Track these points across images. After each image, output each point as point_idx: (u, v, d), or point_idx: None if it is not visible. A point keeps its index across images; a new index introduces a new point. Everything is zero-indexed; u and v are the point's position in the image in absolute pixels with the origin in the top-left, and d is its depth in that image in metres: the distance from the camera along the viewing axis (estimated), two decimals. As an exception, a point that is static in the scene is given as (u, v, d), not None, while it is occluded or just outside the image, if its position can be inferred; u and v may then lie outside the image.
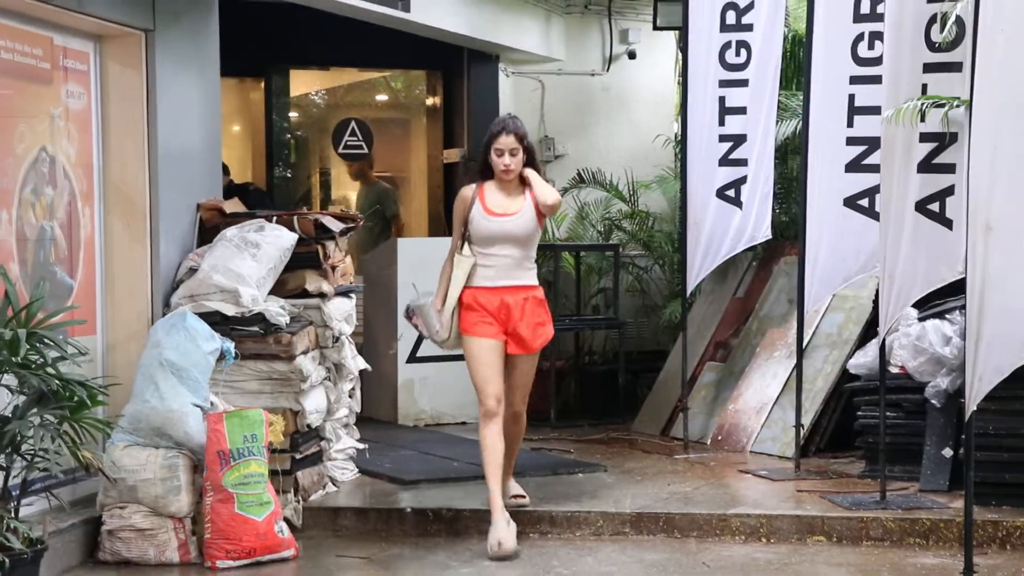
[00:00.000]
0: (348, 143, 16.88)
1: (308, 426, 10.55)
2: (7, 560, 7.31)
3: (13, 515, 7.73)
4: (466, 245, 9.56)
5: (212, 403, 9.58)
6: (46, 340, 7.79)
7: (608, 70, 16.31)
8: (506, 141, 8.86)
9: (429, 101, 16.72)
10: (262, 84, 14.74)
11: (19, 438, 7.69)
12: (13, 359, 7.60)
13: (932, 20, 8.85)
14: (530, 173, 9.95)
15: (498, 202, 9.39)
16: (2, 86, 9.24)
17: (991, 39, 6.67)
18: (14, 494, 7.89)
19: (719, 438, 12.58)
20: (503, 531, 8.21)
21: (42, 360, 7.70)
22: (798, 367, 11.58)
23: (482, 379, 8.96)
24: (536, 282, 9.50)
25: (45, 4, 9.02)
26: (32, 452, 7.68)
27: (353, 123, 16.91)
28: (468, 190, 9.70)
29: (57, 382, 7.69)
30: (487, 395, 8.93)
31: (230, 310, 9.97)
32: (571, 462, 12.03)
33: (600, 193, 15.36)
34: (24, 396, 7.72)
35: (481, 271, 9.22)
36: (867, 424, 10.87)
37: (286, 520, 9.50)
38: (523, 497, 9.17)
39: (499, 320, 9.10)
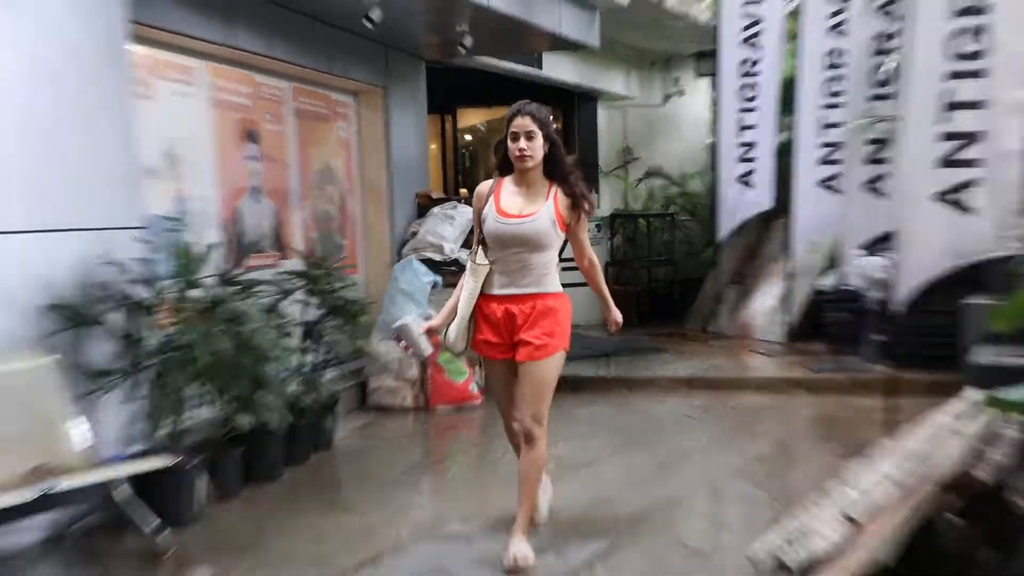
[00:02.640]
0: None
1: None
2: (320, 404, 7.78)
3: (320, 379, 8.08)
4: (479, 251, 5.59)
5: (428, 314, 9.13)
6: (334, 276, 8.09)
7: (666, 103, 16.17)
8: (521, 122, 5.39)
9: (553, 126, 16.05)
10: (448, 118, 15.05)
11: (322, 334, 8.05)
12: (317, 287, 7.95)
13: (876, 67, 9.12)
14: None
15: (514, 201, 5.49)
16: (304, 125, 9.55)
17: (911, 81, 6.89)
18: (320, 368, 8.12)
19: (738, 332, 12.56)
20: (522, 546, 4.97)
21: (332, 288, 7.98)
22: (787, 288, 11.81)
23: (498, 403, 5.72)
24: (554, 289, 5.50)
25: (329, 75, 9.50)
26: (329, 342, 8.07)
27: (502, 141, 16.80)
28: (484, 185, 5.73)
29: (341, 300, 7.99)
30: (502, 412, 5.68)
31: (437, 257, 10.07)
32: (646, 347, 11.85)
33: (661, 181, 15.39)
34: (323, 309, 7.99)
35: (492, 277, 5.53)
36: (830, 321, 11.06)
37: (476, 383, 9.64)
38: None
39: (503, 333, 5.47)
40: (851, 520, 4.86)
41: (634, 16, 11.81)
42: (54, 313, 5.90)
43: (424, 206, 10.74)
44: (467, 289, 5.41)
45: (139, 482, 5.74)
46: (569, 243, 5.54)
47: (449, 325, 5.49)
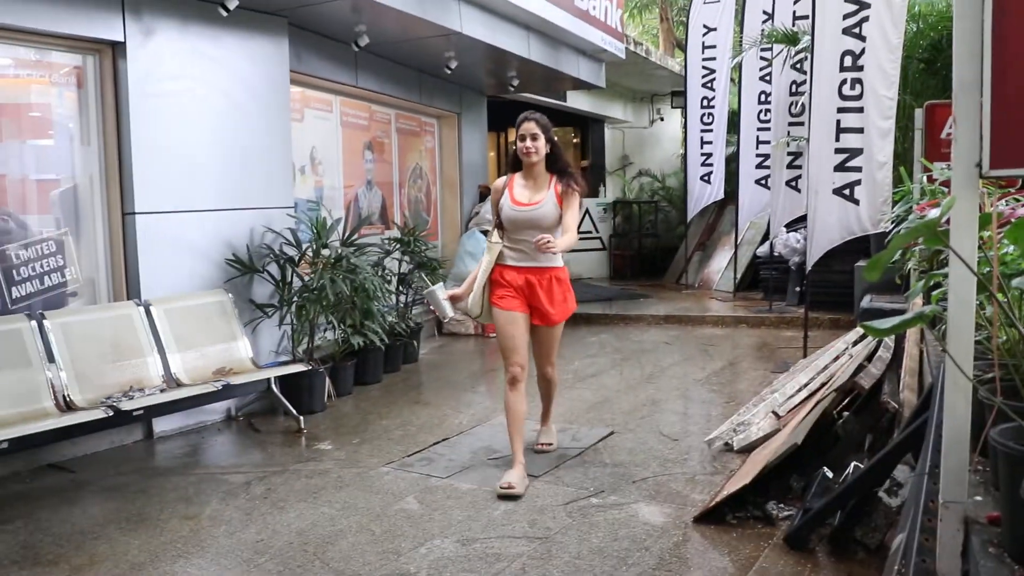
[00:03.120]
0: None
1: None
2: (408, 330, 7.67)
3: (410, 313, 8.05)
4: (495, 232, 4.95)
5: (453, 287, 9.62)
6: (419, 240, 7.95)
7: (651, 125, 15.97)
8: (527, 127, 4.90)
9: (574, 140, 15.98)
10: (502, 135, 14.93)
11: (411, 282, 7.92)
12: (409, 249, 7.87)
13: (792, 104, 9.09)
14: (569, 204, 4.80)
15: (523, 193, 4.92)
16: (403, 139, 9.40)
17: (814, 113, 6.87)
18: (409, 306, 8.20)
19: (700, 284, 12.35)
20: (516, 475, 4.45)
21: (420, 249, 7.86)
22: (735, 254, 11.67)
23: (508, 348, 4.76)
24: (560, 264, 4.95)
25: (420, 104, 9.34)
26: (416, 287, 7.87)
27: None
28: (500, 181, 5.12)
29: (426, 258, 7.86)
30: (512, 362, 4.73)
31: (489, 228, 10.13)
32: (637, 294, 11.67)
33: (648, 178, 15.17)
34: (412, 264, 7.88)
35: (508, 253, 4.87)
36: (764, 277, 10.82)
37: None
38: (550, 445, 5.10)
39: (523, 295, 4.82)
40: (776, 415, 4.83)
41: (629, 67, 11.66)
42: (233, 265, 5.95)
43: (483, 194, 10.59)
44: (484, 264, 4.69)
45: (284, 382, 5.81)
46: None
47: (470, 295, 4.74)
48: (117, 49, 5.35)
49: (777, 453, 3.85)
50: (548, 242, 4.29)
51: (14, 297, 5.00)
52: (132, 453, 5.27)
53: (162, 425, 5.55)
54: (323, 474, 4.74)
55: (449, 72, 8.49)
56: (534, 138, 4.57)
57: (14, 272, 5.02)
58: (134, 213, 5.38)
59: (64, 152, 5.39)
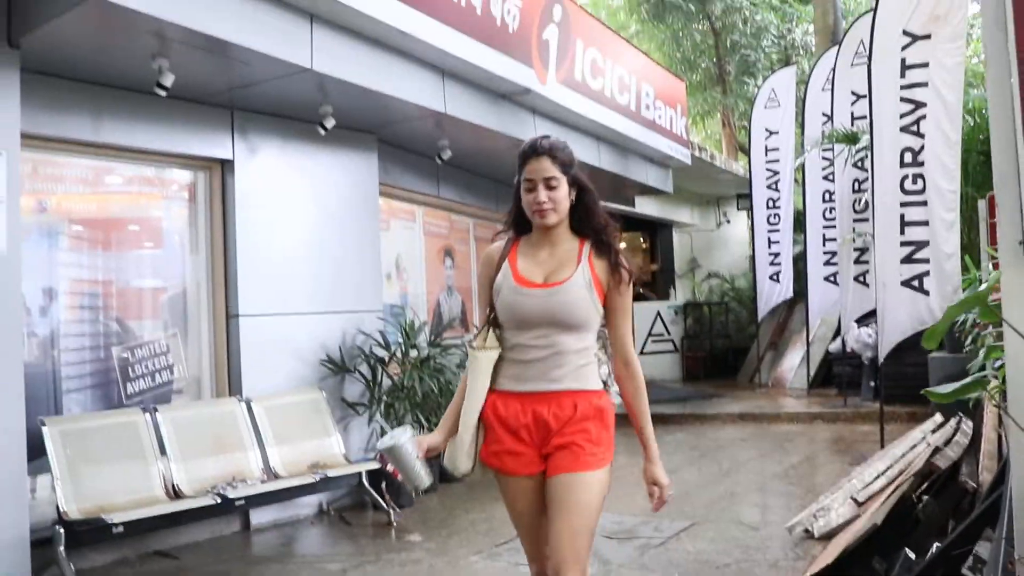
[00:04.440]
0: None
1: (602, 379, 10.50)
2: None
3: None
4: (485, 332, 2.70)
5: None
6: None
7: (718, 228, 16.09)
8: (536, 167, 2.61)
9: (643, 245, 15.94)
10: None
11: None
12: None
13: (855, 201, 9.22)
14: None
15: (536, 266, 2.68)
16: (481, 246, 9.55)
17: (878, 209, 6.99)
18: None
19: (774, 382, 12.26)
20: None
21: None
22: (807, 351, 11.61)
23: (521, 536, 2.74)
24: (596, 385, 2.63)
25: (497, 213, 9.45)
26: None
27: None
28: (494, 249, 2.80)
29: None
30: (527, 557, 2.74)
31: None
32: (711, 393, 11.61)
33: (717, 280, 15.30)
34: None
35: (508, 367, 2.65)
36: (837, 373, 10.73)
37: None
38: None
39: (531, 442, 2.61)
40: (856, 501, 4.86)
41: (695, 172, 11.93)
42: (326, 365, 6.26)
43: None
44: (471, 389, 2.66)
45: (374, 477, 6.01)
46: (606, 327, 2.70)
47: (452, 439, 2.70)
48: (226, 166, 5.84)
49: (857, 535, 3.91)
50: (661, 496, 2.67)
51: (128, 393, 5.39)
52: (231, 543, 5.50)
53: (259, 517, 5.79)
54: (415, 563, 4.89)
55: (523, 181, 8.86)
56: (549, 186, 2.58)
57: (129, 370, 5.41)
58: (238, 316, 5.76)
59: (174, 260, 5.84)
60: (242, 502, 5.13)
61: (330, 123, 5.95)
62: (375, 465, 5.92)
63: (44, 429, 4.69)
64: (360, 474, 5.85)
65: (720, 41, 18.78)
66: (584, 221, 2.68)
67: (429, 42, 5.67)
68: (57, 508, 4.54)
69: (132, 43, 4.51)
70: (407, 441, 2.60)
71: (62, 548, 4.39)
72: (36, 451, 4.59)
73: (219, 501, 4.86)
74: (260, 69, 5.05)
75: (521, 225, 2.71)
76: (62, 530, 4.41)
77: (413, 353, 6.59)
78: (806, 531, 4.98)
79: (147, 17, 4.11)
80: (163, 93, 4.84)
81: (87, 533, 4.45)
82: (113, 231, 5.58)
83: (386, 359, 6.52)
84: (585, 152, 8.40)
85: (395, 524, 5.75)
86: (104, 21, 4.20)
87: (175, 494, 4.99)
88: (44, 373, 5.13)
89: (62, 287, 5.27)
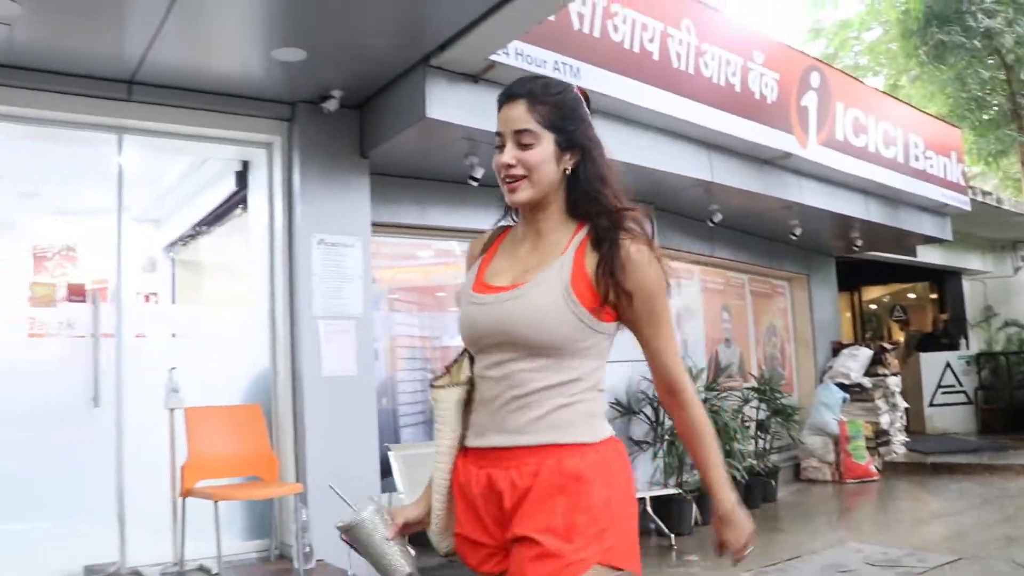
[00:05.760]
0: (895, 316, 16.60)
1: (881, 428, 10.20)
2: (766, 471, 8.28)
3: (768, 456, 8.62)
4: (466, 362, 1.81)
5: (841, 419, 9.61)
6: (777, 391, 8.70)
7: (1016, 273, 15.38)
8: (508, 116, 1.71)
9: (931, 296, 15.61)
10: (855, 293, 15.07)
11: (768, 428, 8.61)
12: (765, 398, 8.64)
13: None
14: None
15: (509, 263, 1.75)
16: (756, 300, 10.26)
17: None
18: (767, 450, 8.72)
19: None
20: None
21: (775, 399, 8.58)
22: None
23: None
24: (579, 437, 1.66)
25: (770, 269, 10.23)
26: (773, 433, 8.63)
27: (897, 306, 16.56)
28: (477, 244, 1.90)
29: (781, 406, 8.57)
30: None
31: (846, 382, 10.15)
32: (1004, 445, 10.77)
33: (1015, 328, 14.59)
34: (768, 412, 8.57)
35: (474, 411, 1.76)
36: None
37: (875, 466, 9.69)
38: None
39: (488, 524, 1.70)
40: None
41: (982, 217, 11.64)
42: (615, 407, 7.09)
43: (836, 349, 11.02)
44: (437, 442, 1.84)
45: (657, 506, 6.72)
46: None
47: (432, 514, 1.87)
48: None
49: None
50: (741, 551, 1.91)
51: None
52: None
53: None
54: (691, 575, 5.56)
55: (795, 238, 9.29)
56: (520, 141, 1.74)
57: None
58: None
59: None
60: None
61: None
62: (658, 492, 6.64)
63: (390, 454, 5.87)
64: (644, 500, 6.59)
65: (1013, 75, 17.83)
66: (583, 200, 1.74)
67: (694, 122, 6.46)
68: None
69: (450, 147, 5.65)
70: (369, 516, 1.80)
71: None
72: (384, 472, 5.80)
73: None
74: (553, 158, 6.08)
75: (511, 210, 1.86)
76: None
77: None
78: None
79: (462, 127, 5.25)
80: (475, 184, 5.99)
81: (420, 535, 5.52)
82: (427, 296, 6.87)
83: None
84: (853, 207, 8.73)
85: (675, 547, 6.42)
86: (430, 133, 5.36)
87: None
88: (386, 410, 6.40)
89: (395, 343, 6.59)
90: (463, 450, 1.79)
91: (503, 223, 1.90)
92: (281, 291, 5.65)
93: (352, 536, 1.82)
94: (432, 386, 1.85)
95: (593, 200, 1.74)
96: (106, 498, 5.29)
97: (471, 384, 1.80)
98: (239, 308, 6.36)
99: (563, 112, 1.73)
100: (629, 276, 1.67)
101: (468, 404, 1.81)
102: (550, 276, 1.69)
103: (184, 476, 5.07)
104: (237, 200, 6.44)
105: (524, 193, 1.73)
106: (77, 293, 5.57)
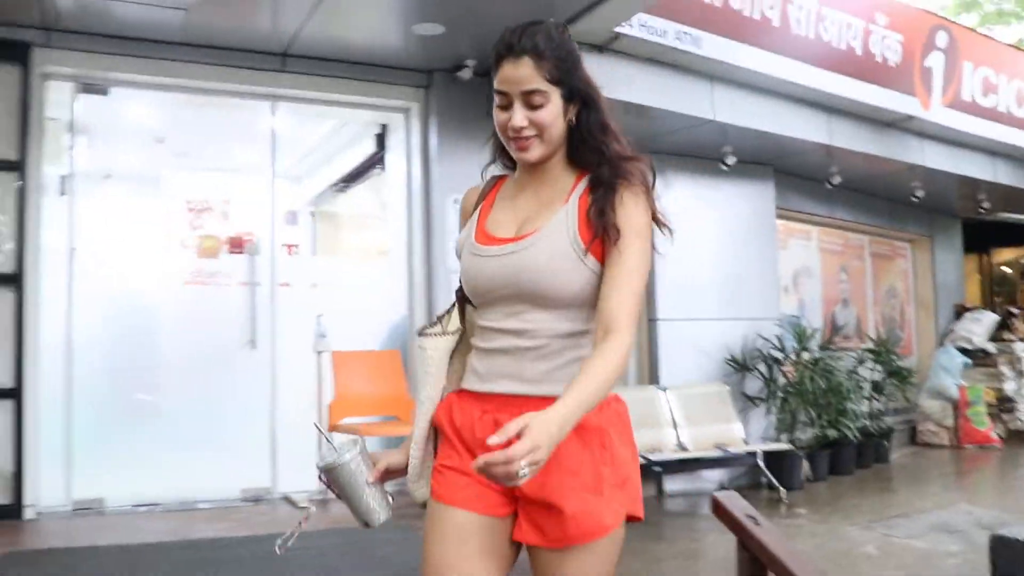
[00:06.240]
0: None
1: (1005, 395, 9.87)
2: (880, 432, 8.29)
3: (881, 417, 8.46)
4: (452, 313, 1.83)
5: (961, 383, 9.50)
6: (893, 353, 8.58)
7: None
8: (513, 75, 1.60)
9: (580, 67, 14.57)
10: (984, 256, 14.60)
11: (883, 389, 8.47)
12: (881, 359, 8.53)
13: None
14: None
15: (510, 214, 1.73)
16: (876, 262, 10.16)
17: None
18: (881, 412, 8.61)
19: None
20: None
21: (892, 360, 8.48)
22: None
23: None
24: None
25: (892, 230, 10.19)
26: (888, 394, 8.54)
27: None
28: (471, 194, 1.86)
29: (898, 368, 8.48)
30: None
31: (967, 346, 10.02)
32: None
33: None
34: (884, 373, 8.47)
35: (473, 358, 1.73)
36: None
37: (997, 433, 9.49)
38: None
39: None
40: None
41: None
42: (729, 363, 7.34)
43: (959, 312, 10.85)
44: (420, 389, 1.81)
45: (769, 461, 6.92)
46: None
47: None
48: (646, 200, 7.18)
49: None
50: (509, 462, 1.33)
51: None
52: (648, 503, 6.77)
53: (671, 485, 6.98)
54: (798, 528, 5.76)
55: (916, 200, 9.20)
56: (531, 103, 1.64)
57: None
58: (657, 320, 7.05)
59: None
60: (659, 468, 6.38)
61: (731, 160, 7.04)
62: (771, 447, 6.86)
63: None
64: (756, 455, 6.83)
65: None
66: (585, 149, 1.71)
67: (813, 86, 6.56)
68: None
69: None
70: (352, 459, 1.76)
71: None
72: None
73: (644, 462, 6.15)
74: (671, 123, 6.31)
75: (506, 158, 1.83)
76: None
77: (805, 355, 7.43)
78: None
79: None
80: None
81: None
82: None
83: (781, 360, 7.43)
84: (978, 168, 8.61)
85: (785, 501, 6.63)
86: None
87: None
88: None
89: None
90: (457, 392, 1.77)
91: (496, 172, 1.87)
92: (418, 246, 6.08)
93: (332, 477, 1.77)
94: (421, 334, 1.82)
95: (595, 150, 1.70)
96: (261, 431, 5.93)
97: (460, 335, 1.81)
98: (377, 261, 6.85)
99: (567, 63, 1.65)
100: (616, 213, 1.62)
101: (453, 354, 1.81)
102: (554, 226, 1.66)
103: (331, 413, 5.66)
104: (375, 160, 6.92)
105: (536, 151, 1.68)
106: (236, 245, 6.17)
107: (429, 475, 1.77)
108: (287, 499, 5.79)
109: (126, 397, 5.84)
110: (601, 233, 1.61)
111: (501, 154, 1.81)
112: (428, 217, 6.04)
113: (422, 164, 6.12)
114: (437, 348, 1.79)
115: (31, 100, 5.21)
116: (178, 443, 5.73)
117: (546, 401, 1.46)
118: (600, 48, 5.51)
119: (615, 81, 5.64)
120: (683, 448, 6.72)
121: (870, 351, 8.62)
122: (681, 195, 7.26)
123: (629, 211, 1.62)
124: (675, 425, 6.82)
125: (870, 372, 8.58)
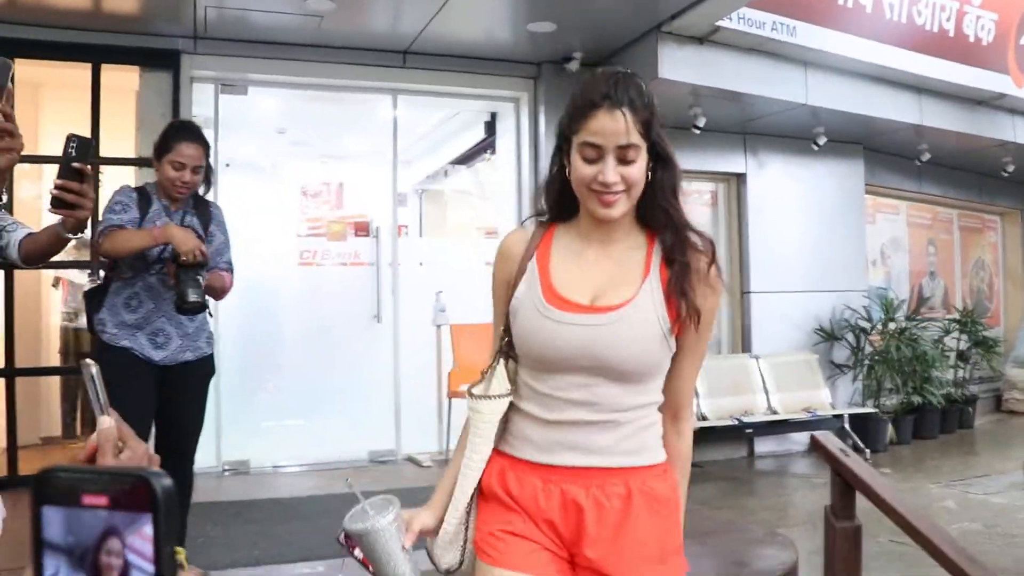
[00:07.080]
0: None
1: None
2: (964, 399, 8.54)
3: (967, 384, 8.78)
4: (498, 369, 1.64)
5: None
6: (979, 323, 8.79)
7: None
8: (610, 127, 1.48)
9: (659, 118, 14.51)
10: None
11: (968, 357, 8.72)
12: (967, 329, 8.74)
13: None
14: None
15: (580, 275, 1.58)
16: (965, 235, 10.22)
17: None
18: (966, 380, 8.89)
19: None
20: None
21: (978, 330, 8.73)
22: None
23: None
24: (656, 457, 1.60)
25: (980, 204, 10.21)
26: (973, 363, 8.80)
27: None
28: (516, 239, 1.67)
29: (984, 338, 8.70)
30: None
31: None
32: None
33: None
34: (970, 343, 8.73)
35: (526, 425, 1.60)
36: None
37: None
38: None
39: (553, 535, 1.55)
40: None
41: None
42: (818, 333, 7.66)
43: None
44: (468, 455, 1.66)
45: (855, 424, 7.23)
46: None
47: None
48: (740, 178, 7.50)
49: None
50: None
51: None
52: (740, 463, 7.15)
53: (761, 447, 7.37)
54: (886, 486, 6.14)
55: (1006, 174, 9.27)
56: (625, 158, 1.52)
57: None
58: (749, 292, 7.41)
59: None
60: (750, 430, 6.79)
61: (822, 140, 7.31)
62: (856, 410, 7.19)
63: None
64: (843, 418, 7.16)
65: None
66: (655, 207, 1.61)
67: (905, 69, 6.78)
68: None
69: (677, 100, 6.28)
70: (389, 524, 1.61)
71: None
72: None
73: (737, 423, 6.57)
74: (765, 107, 6.63)
75: (560, 208, 1.68)
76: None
77: (892, 326, 7.70)
78: None
79: (688, 84, 5.94)
80: (697, 131, 6.62)
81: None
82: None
83: (868, 330, 7.72)
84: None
85: (870, 461, 6.97)
86: (660, 90, 5.94)
87: (703, 418, 6.81)
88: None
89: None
90: (503, 457, 1.65)
91: (540, 218, 1.72)
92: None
93: (365, 542, 1.60)
94: (471, 395, 1.68)
95: (663, 211, 1.60)
96: (386, 398, 6.53)
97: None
98: (489, 242, 7.35)
99: (655, 119, 1.56)
100: (695, 292, 1.57)
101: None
102: (644, 302, 1.57)
103: (450, 381, 6.21)
104: (485, 145, 7.42)
105: (620, 208, 1.56)
106: (361, 229, 6.75)
107: (461, 542, 1.67)
108: (411, 459, 6.38)
109: (265, 370, 6.48)
110: (684, 314, 1.56)
111: (550, 202, 1.68)
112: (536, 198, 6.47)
113: (531, 150, 6.58)
114: (494, 412, 1.64)
115: (181, 101, 5.83)
116: (312, 410, 6.37)
117: (611, 472, 1.54)
118: (700, 40, 5.86)
119: (713, 71, 6.00)
120: (773, 412, 7.11)
121: (956, 321, 8.81)
122: (773, 174, 7.58)
123: (706, 292, 1.59)
124: (766, 391, 7.20)
125: (956, 342, 8.79)
